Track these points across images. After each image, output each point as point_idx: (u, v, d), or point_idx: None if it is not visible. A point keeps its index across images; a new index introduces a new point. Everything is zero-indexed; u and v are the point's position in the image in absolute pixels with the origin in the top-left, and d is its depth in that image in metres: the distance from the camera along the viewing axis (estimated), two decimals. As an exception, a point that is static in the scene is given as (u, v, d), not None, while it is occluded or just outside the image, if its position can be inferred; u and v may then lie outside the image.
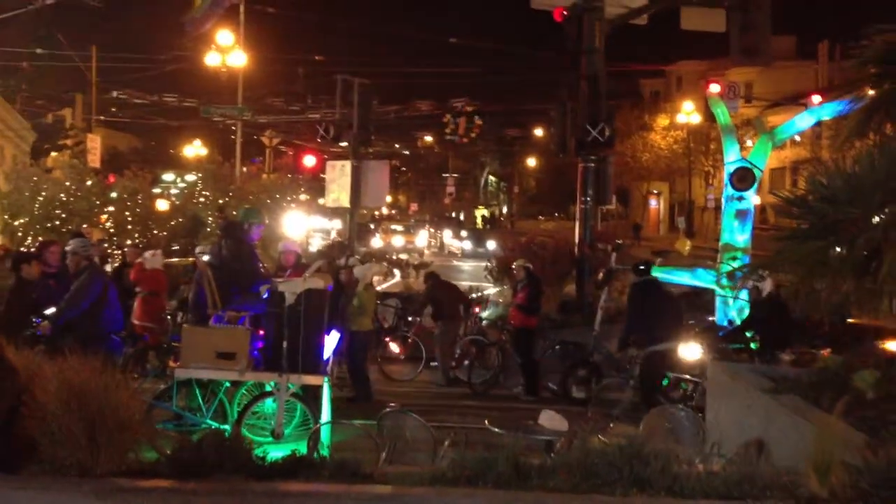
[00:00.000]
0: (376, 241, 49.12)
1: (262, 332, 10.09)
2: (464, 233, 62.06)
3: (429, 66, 71.24)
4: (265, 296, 10.16)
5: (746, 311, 15.35)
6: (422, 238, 57.83)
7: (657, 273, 16.96)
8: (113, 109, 49.41)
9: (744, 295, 14.81)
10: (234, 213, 22.22)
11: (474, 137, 46.83)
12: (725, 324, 15.31)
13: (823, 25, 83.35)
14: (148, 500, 5.34)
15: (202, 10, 29.11)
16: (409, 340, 16.88)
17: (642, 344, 12.54)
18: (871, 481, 5.43)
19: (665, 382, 13.05)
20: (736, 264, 15.06)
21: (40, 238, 22.21)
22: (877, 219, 6.58)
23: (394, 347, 16.76)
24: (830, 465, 5.61)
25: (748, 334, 13.27)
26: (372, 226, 56.90)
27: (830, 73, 50.04)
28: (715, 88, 18.14)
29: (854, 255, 6.53)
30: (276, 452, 6.50)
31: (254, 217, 11.38)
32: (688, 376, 12.47)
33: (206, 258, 13.00)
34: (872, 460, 5.53)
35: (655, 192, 70.14)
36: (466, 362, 15.68)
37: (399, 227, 61.60)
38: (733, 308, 15.53)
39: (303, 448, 7.40)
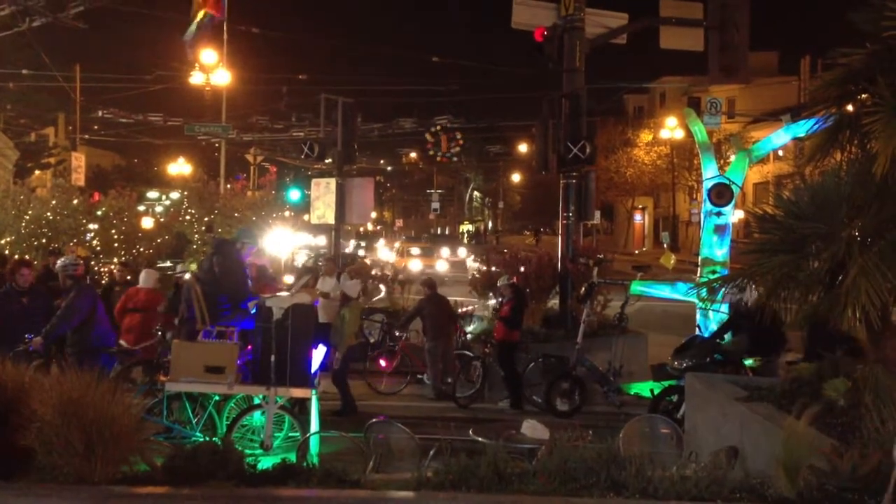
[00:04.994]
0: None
1: (249, 347, 10.31)
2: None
3: (412, 84, 71.60)
4: (253, 311, 10.42)
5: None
6: (443, 263, 49.87)
7: (638, 287, 17.26)
8: (96, 128, 49.51)
9: (724, 308, 15.05)
10: (220, 230, 22.42)
11: (457, 153, 46.65)
12: (707, 336, 15.53)
13: (805, 41, 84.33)
14: (144, 506, 5.55)
15: (199, 29, 29.38)
16: (396, 354, 17.04)
17: None
18: (837, 484, 5.68)
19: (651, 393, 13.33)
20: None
21: (26, 256, 22.32)
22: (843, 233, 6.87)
23: (380, 361, 16.92)
24: (799, 469, 5.86)
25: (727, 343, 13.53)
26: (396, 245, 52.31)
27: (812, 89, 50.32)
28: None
29: (820, 268, 6.81)
30: (266, 463, 6.71)
31: (247, 238, 11.68)
32: None
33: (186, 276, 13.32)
34: (839, 464, 5.76)
35: (640, 207, 70.66)
36: (450, 378, 15.85)
37: (416, 249, 53.05)
38: (714, 321, 15.76)
39: (292, 458, 7.60)
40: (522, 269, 18.34)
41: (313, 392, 10.14)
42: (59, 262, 11.39)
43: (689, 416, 9.70)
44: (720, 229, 16.22)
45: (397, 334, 17.76)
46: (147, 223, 27.12)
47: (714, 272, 15.69)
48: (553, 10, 18.06)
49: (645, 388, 15.16)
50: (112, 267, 21.68)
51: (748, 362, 13.34)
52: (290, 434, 10.10)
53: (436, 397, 15.59)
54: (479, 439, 8.22)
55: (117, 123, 46.50)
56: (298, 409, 10.44)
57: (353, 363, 14.98)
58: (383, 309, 20.78)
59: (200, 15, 29.01)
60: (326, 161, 21.47)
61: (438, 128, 41.81)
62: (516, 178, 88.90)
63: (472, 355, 16.03)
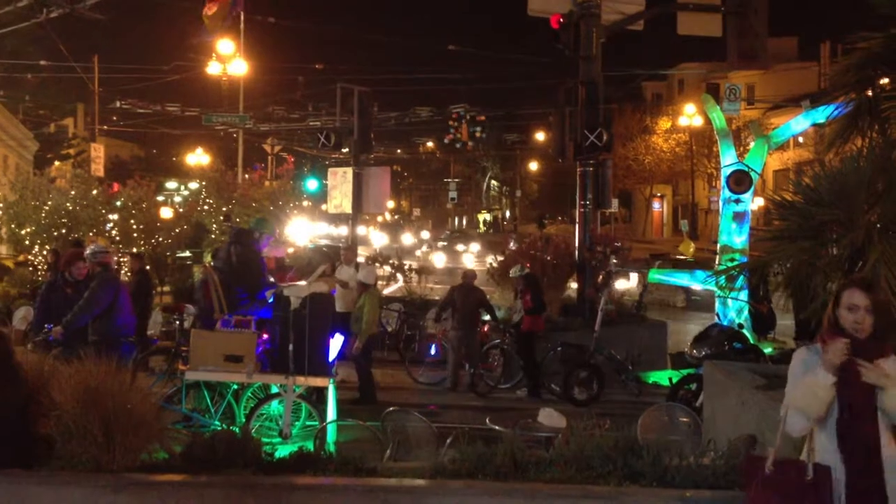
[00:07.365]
0: None
1: (266, 336, 10.34)
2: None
3: (428, 72, 71.45)
4: (270, 300, 10.45)
5: (746, 312, 15.56)
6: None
7: (656, 275, 17.22)
8: (115, 118, 49.73)
9: (743, 295, 14.99)
10: (238, 220, 22.50)
11: (478, 140, 46.36)
12: (726, 323, 15.46)
13: (826, 26, 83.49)
14: (162, 493, 5.58)
15: (221, 20, 29.51)
16: (437, 343, 16.88)
17: None
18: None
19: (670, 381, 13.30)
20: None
21: (47, 247, 22.50)
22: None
23: (431, 350, 16.84)
24: (817, 456, 5.81)
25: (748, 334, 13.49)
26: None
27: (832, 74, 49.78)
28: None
29: (839, 255, 6.76)
30: (283, 451, 6.74)
31: (265, 227, 11.73)
32: None
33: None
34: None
35: (658, 194, 70.34)
36: (473, 369, 15.77)
37: None
38: (733, 308, 15.71)
39: (310, 446, 7.62)
40: (539, 258, 18.32)
41: (331, 381, 10.17)
42: (88, 250, 11.43)
43: (708, 404, 9.65)
44: (739, 216, 16.15)
45: (423, 324, 17.68)
46: (166, 213, 27.24)
47: (733, 259, 15.64)
48: (569, -3, 17.97)
49: (663, 377, 15.14)
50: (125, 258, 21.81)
51: (768, 350, 13.30)
52: (308, 423, 10.13)
53: (451, 387, 15.50)
54: (496, 428, 8.23)
55: (136, 114, 46.70)
56: (316, 398, 10.46)
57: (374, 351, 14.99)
58: (401, 298, 20.80)
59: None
60: (343, 150, 21.48)
61: (455, 118, 41.69)
62: (534, 166, 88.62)
63: (492, 343, 15.99)
